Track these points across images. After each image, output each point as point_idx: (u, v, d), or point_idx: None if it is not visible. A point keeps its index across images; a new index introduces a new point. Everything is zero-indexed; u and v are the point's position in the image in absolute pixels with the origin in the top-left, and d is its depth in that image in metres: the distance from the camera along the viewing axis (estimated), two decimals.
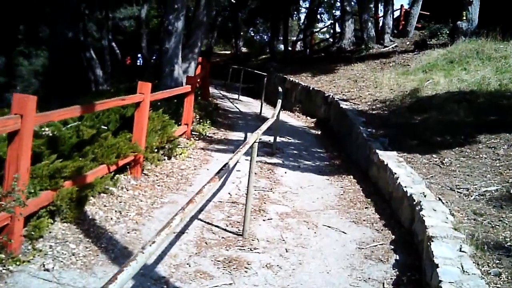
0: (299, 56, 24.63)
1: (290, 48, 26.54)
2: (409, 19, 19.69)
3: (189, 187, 6.23)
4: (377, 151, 7.18)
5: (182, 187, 6.23)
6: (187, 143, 8.13)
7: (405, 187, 5.67)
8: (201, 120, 9.65)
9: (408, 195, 5.39)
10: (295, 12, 28.15)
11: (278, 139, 9.53)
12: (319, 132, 11.30)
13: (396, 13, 22.78)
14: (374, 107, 10.80)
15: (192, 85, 8.42)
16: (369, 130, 8.62)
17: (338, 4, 29.48)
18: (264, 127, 6.32)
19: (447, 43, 15.76)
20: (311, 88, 13.99)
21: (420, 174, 6.37)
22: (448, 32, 17.19)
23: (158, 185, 6.16)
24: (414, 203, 5.13)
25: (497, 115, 8.56)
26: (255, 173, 7.02)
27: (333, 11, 28.69)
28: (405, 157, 7.14)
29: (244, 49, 38.90)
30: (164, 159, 7.19)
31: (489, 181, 5.95)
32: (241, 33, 36.52)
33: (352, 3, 21.42)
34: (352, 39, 20.79)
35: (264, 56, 32.23)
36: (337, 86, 13.81)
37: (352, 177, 7.35)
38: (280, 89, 9.19)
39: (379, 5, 25.30)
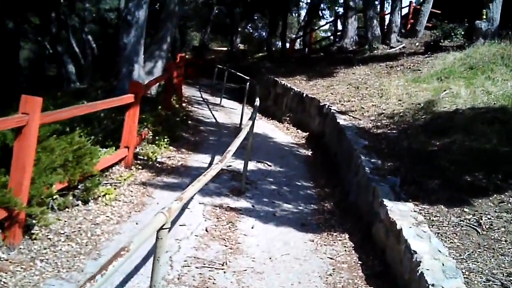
0: (296, 55, 22.22)
1: (288, 46, 24.12)
2: (419, 18, 17.27)
3: (92, 263, 3.91)
4: (385, 201, 4.83)
5: (79, 262, 3.90)
6: (121, 176, 5.79)
7: (433, 286, 3.35)
8: (157, 138, 7.31)
9: None
10: (295, 8, 25.71)
11: (254, 165, 7.21)
12: (310, 153, 8.94)
13: (404, 11, 20.30)
14: (379, 124, 8.45)
15: (136, 94, 6.07)
16: (373, 160, 6.27)
17: (341, 0, 27.09)
18: (231, 151, 4.11)
19: (463, 45, 13.39)
20: (304, 95, 11.63)
21: (452, 250, 4.04)
22: (463, 32, 14.81)
23: (42, 259, 3.84)
24: None
25: None
26: (206, 230, 4.70)
27: (336, 8, 26.22)
28: (426, 212, 4.81)
29: (241, 46, 36.51)
30: (77, 205, 4.87)
31: None
32: (239, 29, 34.13)
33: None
34: (355, 38, 18.39)
35: (261, 54, 29.85)
36: (335, 93, 11.45)
37: (347, 237, 5.02)
38: (257, 101, 6.90)
39: (385, 1, 22.90)
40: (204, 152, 7.61)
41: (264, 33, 34.93)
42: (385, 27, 19.14)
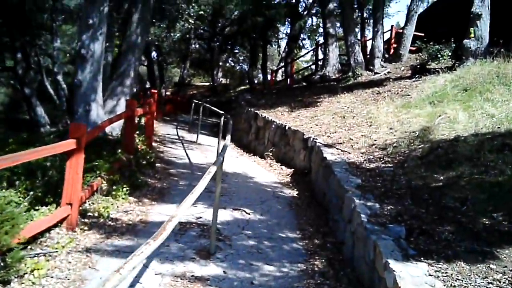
0: (278, 86, 21.37)
1: (269, 78, 23.29)
2: (402, 41, 16.52)
3: None
4: (391, 263, 3.70)
5: None
6: (59, 242, 4.59)
7: None
8: (114, 188, 6.15)
9: None
10: (275, 39, 25.01)
11: (230, 214, 6.07)
12: (296, 193, 7.80)
13: (386, 36, 19.64)
14: (371, 157, 7.39)
15: (79, 139, 4.93)
16: (369, 204, 5.16)
17: (321, 30, 26.52)
18: (188, 201, 3.02)
19: (452, 66, 12.59)
20: (287, 127, 10.59)
21: None
22: (450, 53, 14.05)
23: None
24: None
25: None
26: None
27: (316, 36, 25.56)
28: (444, 274, 3.69)
29: (223, 80, 35.78)
30: None
31: None
32: (220, 63, 33.45)
33: (337, 26, 18.33)
34: (337, 66, 17.58)
35: (243, 87, 29.09)
36: (320, 124, 10.43)
37: None
38: (227, 139, 5.80)
39: (366, 27, 22.28)
40: (170, 201, 6.41)
41: (245, 66, 34.27)
42: (368, 53, 18.44)
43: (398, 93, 11.76)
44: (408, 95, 11.19)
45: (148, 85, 26.46)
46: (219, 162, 4.52)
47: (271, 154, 10.75)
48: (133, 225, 5.40)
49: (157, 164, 8.45)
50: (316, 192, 7.63)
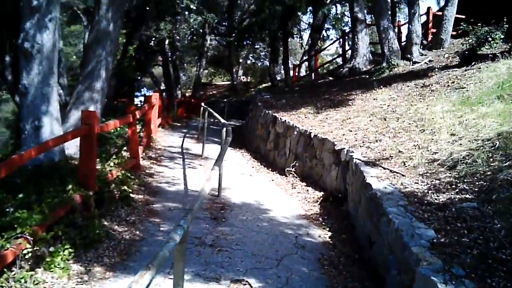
0: (301, 83, 18.97)
1: (291, 74, 20.90)
2: (442, 24, 13.92)
3: None
4: None
5: None
6: None
7: None
8: (51, 250, 3.96)
9: None
10: (296, 30, 22.54)
11: None
12: (328, 237, 5.44)
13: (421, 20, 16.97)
14: (437, 181, 5.01)
15: None
16: (454, 283, 2.84)
17: (347, 18, 23.91)
18: None
19: (509, 50, 10.10)
20: (312, 135, 8.26)
21: None
22: (503, 35, 11.48)
23: None
24: None
25: None
26: None
27: (341, 25, 22.94)
28: None
29: (244, 78, 33.51)
30: None
31: None
32: (240, 60, 31.19)
33: (365, 11, 15.81)
34: (367, 56, 15.10)
35: (264, 85, 26.76)
36: (354, 130, 8.07)
37: None
38: (219, 160, 3.54)
39: (396, 11, 19.65)
40: (134, 269, 4.12)
41: (267, 62, 31.94)
42: (403, 40, 15.91)
43: (449, 85, 9.30)
44: (463, 88, 8.72)
45: (163, 87, 24.41)
46: (195, 206, 2.32)
47: (293, 169, 8.42)
48: None
49: (138, 196, 6.20)
50: (358, 234, 5.30)
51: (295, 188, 7.73)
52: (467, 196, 4.51)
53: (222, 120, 8.03)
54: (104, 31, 7.06)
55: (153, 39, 19.57)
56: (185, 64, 33.69)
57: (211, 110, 10.22)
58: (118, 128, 8.57)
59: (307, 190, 7.46)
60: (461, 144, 5.95)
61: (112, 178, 5.89)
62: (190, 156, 9.89)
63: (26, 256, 3.69)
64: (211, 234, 5.01)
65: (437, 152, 5.89)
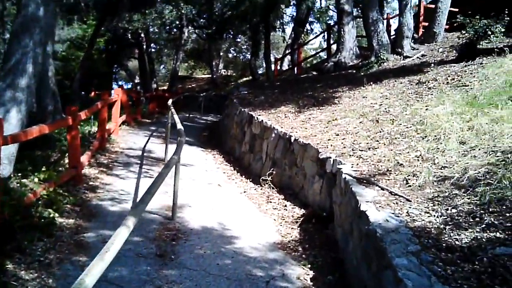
0: (283, 77, 17.68)
1: (273, 67, 19.57)
2: (435, 17, 12.74)
3: None
4: None
5: None
6: None
7: None
8: None
9: None
10: (279, 23, 21.18)
11: None
12: (309, 275, 4.15)
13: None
14: (451, 209, 3.75)
15: None
16: None
17: (332, 12, 22.63)
18: None
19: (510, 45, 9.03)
20: (293, 139, 6.96)
21: None
22: (503, 29, 10.34)
23: None
24: None
25: None
26: None
27: (326, 19, 21.63)
28: None
29: (224, 72, 32.08)
30: None
31: None
32: (221, 54, 29.75)
33: (352, 3, 14.52)
34: (354, 50, 13.85)
35: (245, 79, 25.44)
36: (342, 133, 6.80)
37: None
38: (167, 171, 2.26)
39: (384, 4, 18.45)
40: None
41: (249, 56, 30.55)
42: (392, 34, 14.74)
43: (448, 83, 8.10)
44: (467, 85, 7.53)
45: (137, 81, 22.87)
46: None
47: (270, 178, 7.10)
48: None
49: (68, 221, 4.77)
50: (349, 279, 4.01)
51: (270, 202, 6.40)
52: (498, 235, 3.26)
53: (179, 126, 6.61)
54: (32, 17, 5.63)
55: (127, 31, 18.19)
56: (164, 57, 32.11)
57: (173, 110, 8.77)
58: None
59: (285, 206, 6.14)
60: (475, 156, 4.72)
61: (33, 199, 4.51)
62: (150, 161, 8.45)
63: None
64: (150, 284, 3.66)
65: (447, 167, 4.64)
